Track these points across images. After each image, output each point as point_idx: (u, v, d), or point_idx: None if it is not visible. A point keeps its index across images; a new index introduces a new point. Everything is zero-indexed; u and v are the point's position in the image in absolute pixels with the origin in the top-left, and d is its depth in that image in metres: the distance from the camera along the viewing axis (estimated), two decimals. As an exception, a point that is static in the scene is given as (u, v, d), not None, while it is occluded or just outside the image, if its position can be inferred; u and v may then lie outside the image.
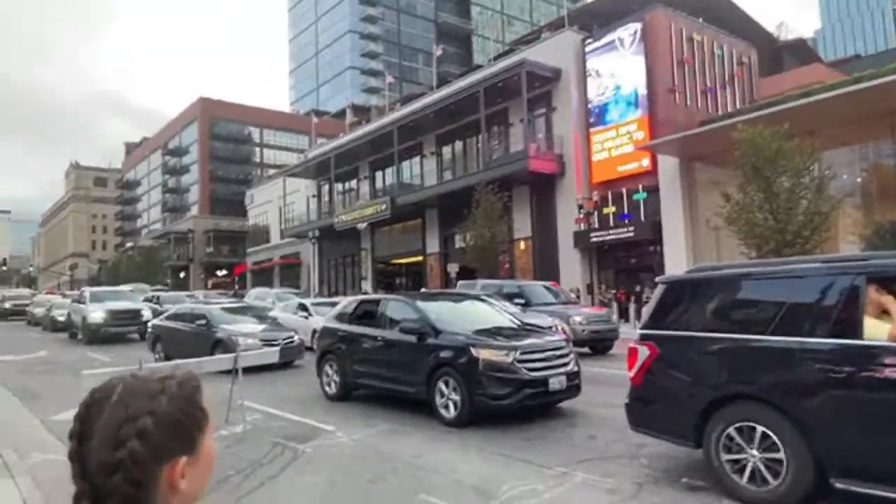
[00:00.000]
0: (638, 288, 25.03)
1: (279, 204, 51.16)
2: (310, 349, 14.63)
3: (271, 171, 67.88)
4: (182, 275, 67.64)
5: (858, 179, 21.58)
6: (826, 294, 4.74)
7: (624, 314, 23.23)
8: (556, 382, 7.83)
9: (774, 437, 4.66)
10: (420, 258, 36.72)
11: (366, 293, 32.88)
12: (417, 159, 36.92)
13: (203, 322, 14.36)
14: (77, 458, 0.97)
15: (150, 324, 17.21)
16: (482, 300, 10.94)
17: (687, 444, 5.41)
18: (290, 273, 51.20)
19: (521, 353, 7.77)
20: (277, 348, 11.14)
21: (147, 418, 0.97)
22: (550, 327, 11.73)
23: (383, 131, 36.22)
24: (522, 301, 15.63)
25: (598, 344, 15.20)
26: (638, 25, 26.33)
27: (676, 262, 22.82)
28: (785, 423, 4.64)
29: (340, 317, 10.57)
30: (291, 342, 13.76)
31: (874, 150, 21.40)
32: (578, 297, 23.74)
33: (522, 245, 30.27)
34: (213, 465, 1.07)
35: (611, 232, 26.24)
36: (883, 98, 18.48)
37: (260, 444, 7.16)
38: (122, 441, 0.95)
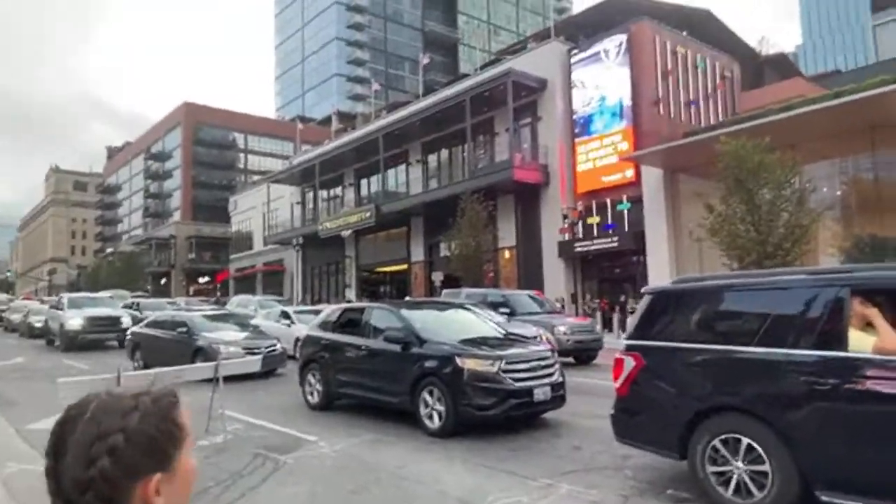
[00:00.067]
0: (622, 298, 25.16)
1: (263, 210, 50.84)
2: (292, 358, 14.46)
3: (255, 178, 67.48)
4: (163, 281, 66.93)
5: (838, 193, 21.89)
6: (811, 306, 4.76)
7: (608, 324, 23.30)
8: (541, 393, 7.80)
9: (760, 450, 4.66)
10: (405, 266, 36.63)
11: (349, 301, 32.72)
12: (403, 167, 36.90)
13: (184, 329, 14.16)
14: (52, 475, 0.97)
15: (129, 331, 16.94)
16: (467, 309, 10.89)
17: (672, 456, 5.39)
18: (273, 280, 50.82)
19: (507, 363, 7.74)
20: (260, 357, 10.98)
21: (118, 435, 0.96)
22: (535, 337, 11.73)
23: (369, 139, 36.16)
24: (507, 310, 15.62)
25: (582, 354, 15.22)
26: (623, 37, 26.59)
27: (659, 272, 22.96)
28: (770, 435, 4.64)
29: (324, 325, 10.47)
30: (274, 350, 13.60)
31: (854, 164, 21.72)
32: (563, 306, 23.79)
33: (507, 254, 30.31)
34: (193, 482, 1.05)
35: (595, 242, 26.37)
36: (862, 113, 18.78)
37: (241, 454, 7.04)
38: (93, 459, 0.94)
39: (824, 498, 4.37)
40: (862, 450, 4.30)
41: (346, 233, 37.14)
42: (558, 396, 8.12)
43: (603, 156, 26.86)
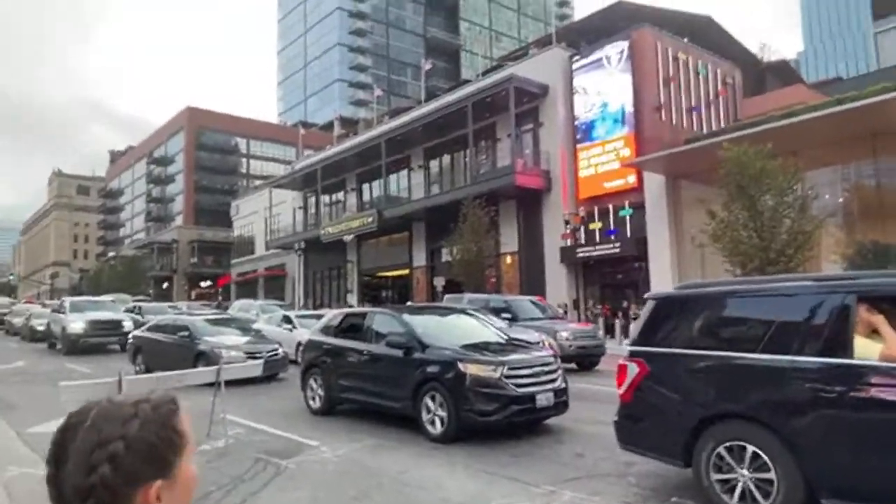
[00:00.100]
0: (624, 304, 25.11)
1: (265, 215, 50.86)
2: (294, 362, 14.47)
3: (258, 182, 67.61)
4: (165, 285, 66.96)
5: (840, 199, 21.87)
6: (816, 312, 4.74)
7: (610, 330, 23.26)
8: (544, 399, 7.77)
9: (765, 457, 4.63)
10: (406, 271, 36.61)
11: (351, 306, 32.70)
12: (405, 172, 36.91)
13: (186, 334, 14.15)
14: (54, 483, 0.98)
15: (131, 335, 16.93)
16: (469, 314, 10.87)
17: (676, 463, 5.36)
18: (274, 285, 50.82)
19: (509, 369, 7.71)
20: (261, 361, 10.96)
21: (118, 443, 0.97)
22: (538, 343, 11.70)
23: (371, 144, 36.21)
24: (509, 316, 15.58)
25: (584, 360, 15.17)
26: (625, 44, 26.63)
27: (661, 278, 22.93)
28: (775, 443, 4.61)
29: (326, 330, 10.45)
30: (275, 355, 13.57)
31: (856, 171, 21.71)
32: (566, 312, 23.76)
33: (509, 259, 30.30)
34: (193, 488, 1.06)
35: (597, 248, 26.35)
36: (864, 120, 18.78)
37: (242, 459, 7.02)
38: (93, 466, 0.95)
39: (830, 506, 4.34)
40: (867, 457, 4.27)
41: (347, 237, 37.14)
42: (561, 402, 8.09)
43: (605, 162, 26.87)
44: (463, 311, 11.32)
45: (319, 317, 14.79)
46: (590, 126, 27.63)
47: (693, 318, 5.57)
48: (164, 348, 14.26)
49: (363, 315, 10.00)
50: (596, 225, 27.01)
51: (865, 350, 4.44)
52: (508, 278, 29.93)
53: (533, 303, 17.87)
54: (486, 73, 39.13)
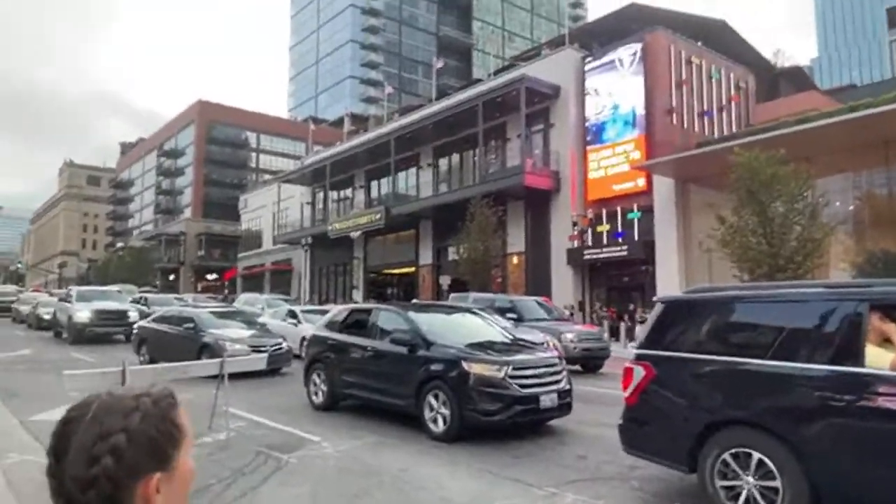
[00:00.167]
0: (630, 307, 25.01)
1: (273, 210, 50.97)
2: (298, 357, 14.47)
3: (267, 177, 67.75)
4: (172, 277, 67.25)
5: (851, 207, 21.69)
6: (828, 320, 4.66)
7: (615, 333, 23.16)
8: (548, 400, 7.72)
9: (771, 465, 4.56)
10: (412, 269, 36.60)
11: (356, 302, 32.70)
12: (414, 170, 36.89)
13: (190, 325, 14.16)
14: (54, 475, 0.99)
15: (136, 325, 16.98)
16: (474, 313, 10.82)
17: (680, 469, 5.29)
18: (280, 279, 50.94)
19: (513, 369, 7.65)
20: (265, 355, 10.97)
21: (120, 435, 0.98)
22: (542, 343, 11.64)
23: (380, 141, 36.20)
24: (514, 316, 15.53)
25: (589, 362, 15.10)
26: (638, 46, 26.50)
27: (668, 282, 22.83)
28: (782, 451, 4.54)
29: (330, 325, 10.42)
30: (280, 349, 13.57)
31: (867, 179, 21.54)
32: (572, 314, 23.67)
33: (515, 260, 30.22)
34: (191, 482, 1.07)
35: (604, 250, 26.26)
36: (877, 127, 18.62)
37: (243, 452, 6.99)
38: (95, 458, 0.96)
39: (837, 516, 4.27)
40: (876, 468, 4.20)
41: (355, 234, 37.16)
42: (565, 404, 8.03)
43: (615, 164, 26.76)
44: (468, 310, 11.27)
45: (324, 312, 14.77)
46: (600, 128, 27.53)
47: (702, 323, 5.50)
48: (169, 339, 14.27)
49: (368, 311, 9.96)
50: (604, 227, 26.90)
51: (878, 359, 4.36)
52: (514, 278, 29.86)
53: (538, 304, 17.80)
54: (497, 72, 39.03)
